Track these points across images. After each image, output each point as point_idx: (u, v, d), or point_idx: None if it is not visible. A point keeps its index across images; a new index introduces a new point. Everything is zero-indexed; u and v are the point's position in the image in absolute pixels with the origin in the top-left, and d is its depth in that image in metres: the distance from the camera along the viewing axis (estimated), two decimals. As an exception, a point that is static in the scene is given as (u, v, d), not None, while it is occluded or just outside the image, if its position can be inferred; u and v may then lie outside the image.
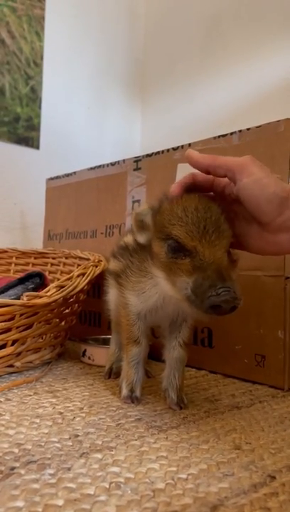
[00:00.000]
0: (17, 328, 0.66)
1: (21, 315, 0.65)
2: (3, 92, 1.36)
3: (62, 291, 0.70)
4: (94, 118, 1.63)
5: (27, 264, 1.15)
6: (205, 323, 0.77)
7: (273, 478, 0.37)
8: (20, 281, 0.75)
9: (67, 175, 1.15)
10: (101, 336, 0.91)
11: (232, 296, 0.41)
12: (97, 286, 0.95)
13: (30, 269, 1.14)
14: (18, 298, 0.70)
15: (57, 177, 1.19)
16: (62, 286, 0.71)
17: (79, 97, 1.59)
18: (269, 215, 0.45)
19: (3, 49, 1.36)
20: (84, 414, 0.51)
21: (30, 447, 0.41)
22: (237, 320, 0.72)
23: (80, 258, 0.99)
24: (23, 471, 0.36)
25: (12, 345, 0.67)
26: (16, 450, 0.41)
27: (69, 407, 0.54)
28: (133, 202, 0.95)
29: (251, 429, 0.49)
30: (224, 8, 1.51)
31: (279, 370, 0.67)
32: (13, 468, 0.37)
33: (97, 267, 0.84)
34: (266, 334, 0.69)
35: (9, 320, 0.64)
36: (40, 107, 1.45)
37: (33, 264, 1.14)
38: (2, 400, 0.57)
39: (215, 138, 0.80)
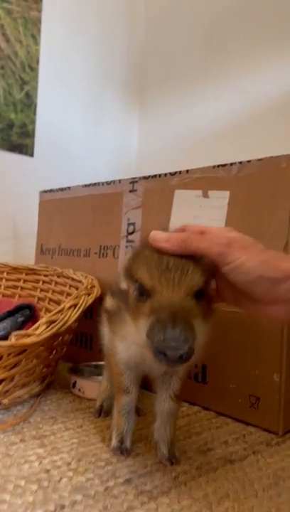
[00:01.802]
0: (4, 367, 0.64)
1: (9, 354, 0.63)
2: (-4, 97, 1.33)
3: (52, 328, 0.67)
4: (90, 124, 1.60)
5: (18, 280, 1.12)
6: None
7: None
8: (10, 313, 0.72)
9: (62, 189, 1.12)
10: (93, 362, 0.88)
11: (180, 343, 0.37)
12: (89, 308, 0.93)
13: (21, 285, 1.12)
14: (8, 333, 0.68)
15: (51, 190, 1.16)
16: (52, 322, 0.69)
17: (76, 103, 1.55)
18: (258, 294, 0.42)
19: (-3, 53, 1.32)
20: (71, 473, 0.49)
21: (12, 524, 0.39)
22: (233, 357, 0.70)
23: (73, 279, 0.96)
24: None
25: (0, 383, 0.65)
26: (-2, 529, 0.39)
27: (56, 461, 0.52)
28: (129, 224, 0.92)
29: (245, 495, 0.47)
30: (224, 14, 1.48)
31: (274, 414, 0.65)
32: None
33: (89, 295, 0.81)
34: (262, 376, 0.67)
35: (-4, 360, 0.62)
36: (35, 113, 1.42)
37: (25, 281, 1.11)
38: (-14, 449, 0.55)
39: (213, 167, 0.77)
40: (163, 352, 0.37)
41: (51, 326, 0.68)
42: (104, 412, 0.69)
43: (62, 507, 0.43)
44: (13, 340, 0.62)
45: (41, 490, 0.46)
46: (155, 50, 1.71)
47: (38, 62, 1.42)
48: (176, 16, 1.62)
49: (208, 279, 0.45)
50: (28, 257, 1.31)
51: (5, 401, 0.67)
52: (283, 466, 0.55)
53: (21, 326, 0.71)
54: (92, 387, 0.77)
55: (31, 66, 1.40)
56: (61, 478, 0.48)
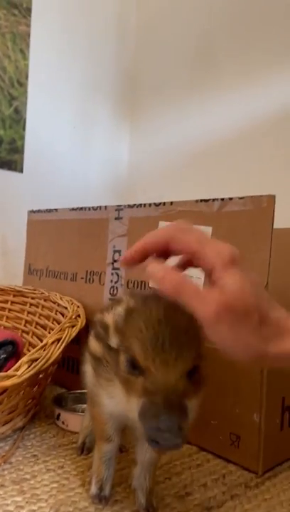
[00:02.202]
0: (-15, 409, 0.64)
1: (-10, 396, 0.63)
2: (-15, 114, 1.32)
3: (34, 367, 0.67)
4: (79, 138, 1.59)
5: (6, 301, 1.12)
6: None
7: None
8: (-8, 350, 0.73)
9: (49, 210, 1.12)
10: (78, 390, 0.89)
11: (174, 434, 0.37)
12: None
13: (9, 307, 1.12)
14: (-12, 373, 0.68)
15: (39, 211, 1.15)
16: (34, 360, 0.69)
17: (65, 116, 1.55)
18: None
19: (-15, 69, 1.32)
20: (48, 527, 0.50)
21: None
22: (214, 394, 0.71)
23: (59, 305, 0.96)
24: None
25: (-20, 425, 0.65)
26: None
27: (35, 511, 0.53)
28: (114, 251, 0.92)
29: None
30: (216, 27, 1.47)
31: (254, 453, 0.66)
32: None
33: (73, 326, 0.81)
34: (242, 415, 0.67)
35: (-23, 403, 0.62)
36: (24, 129, 1.41)
37: (12, 302, 1.12)
38: None
39: (196, 201, 0.77)
40: (156, 441, 0.37)
41: (33, 365, 0.68)
42: (86, 448, 0.70)
43: None
44: (-7, 383, 0.62)
45: None
46: (145, 64, 1.70)
47: (26, 77, 1.41)
48: (167, 29, 1.61)
49: (202, 350, 0.44)
50: (15, 274, 1.31)
51: (-13, 440, 0.68)
52: (260, 514, 0.55)
53: (3, 362, 0.71)
54: (75, 420, 0.77)
55: (20, 81, 1.40)
56: (37, 534, 0.49)
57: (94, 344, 0.61)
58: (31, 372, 0.66)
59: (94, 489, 0.56)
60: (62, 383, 0.98)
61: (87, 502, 0.55)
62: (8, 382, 0.63)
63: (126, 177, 1.72)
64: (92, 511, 0.54)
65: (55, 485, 0.59)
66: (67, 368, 0.99)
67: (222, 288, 0.38)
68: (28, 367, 0.67)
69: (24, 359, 0.68)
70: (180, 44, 1.57)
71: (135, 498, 0.56)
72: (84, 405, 0.83)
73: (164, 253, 0.45)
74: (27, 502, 0.55)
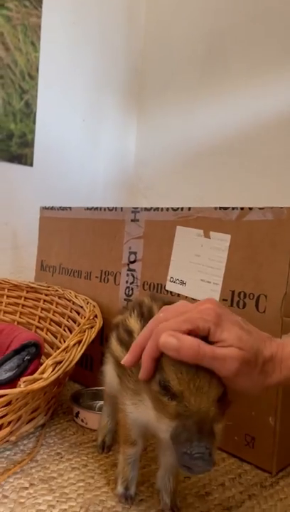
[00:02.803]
0: (13, 410, 0.67)
1: (17, 399, 0.66)
2: (-4, 108, 1.32)
3: (59, 370, 0.70)
4: (88, 131, 1.59)
5: (19, 297, 1.14)
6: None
7: None
8: (16, 351, 0.75)
9: (62, 208, 1.13)
10: (94, 387, 0.91)
11: (205, 460, 0.40)
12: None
13: (22, 302, 1.14)
14: (15, 376, 0.71)
15: (52, 208, 1.17)
16: (58, 362, 0.71)
17: (75, 110, 1.55)
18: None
19: (-3, 62, 1.31)
20: (80, 526, 0.53)
21: None
22: (231, 397, 0.73)
23: (74, 303, 0.99)
24: None
25: (8, 425, 0.68)
26: None
27: (65, 510, 0.56)
28: (130, 253, 0.94)
29: None
30: (226, 24, 1.47)
31: (268, 454, 0.69)
32: None
33: (92, 327, 0.84)
34: (258, 417, 0.71)
35: (7, 405, 0.65)
36: (34, 122, 1.41)
37: (26, 298, 1.14)
38: (-1, 496, 0.58)
39: (215, 208, 0.79)
40: (188, 466, 0.40)
41: (57, 368, 0.70)
42: (106, 447, 0.73)
43: None
44: (22, 386, 0.64)
45: None
46: (154, 61, 1.69)
47: (37, 70, 1.41)
48: (176, 25, 1.60)
49: None
50: (27, 268, 1.33)
51: (12, 438, 0.70)
52: (277, 514, 0.59)
53: (28, 364, 0.74)
54: (94, 419, 0.80)
55: (31, 74, 1.39)
56: (71, 533, 0.52)
57: (118, 349, 0.63)
58: (56, 375, 0.69)
59: (120, 489, 0.59)
60: (77, 380, 1.01)
61: (114, 501, 0.59)
62: (35, 386, 0.65)
63: (132, 172, 1.73)
64: (120, 511, 0.57)
65: (81, 484, 0.62)
66: (81, 364, 1.02)
67: (228, 343, 0.44)
68: (53, 370, 0.70)
69: (49, 362, 0.71)
70: (188, 41, 1.57)
71: (159, 498, 0.59)
72: (101, 402, 0.86)
73: None
74: (57, 501, 0.58)
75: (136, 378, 0.53)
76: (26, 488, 0.60)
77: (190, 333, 0.44)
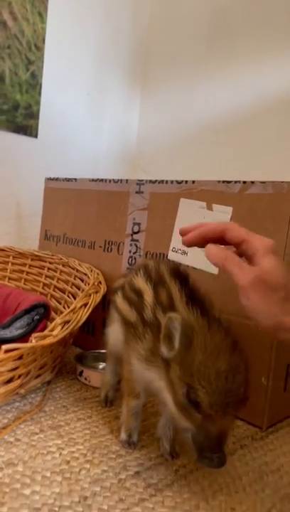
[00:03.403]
0: (24, 364, 0.71)
1: (28, 353, 0.70)
2: (3, 78, 1.33)
3: (67, 328, 0.75)
4: (93, 105, 1.61)
5: (24, 264, 1.18)
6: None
7: None
8: (26, 311, 0.79)
9: (68, 179, 1.16)
10: (96, 350, 0.96)
11: (222, 464, 0.48)
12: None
13: (27, 270, 1.18)
14: (26, 333, 0.75)
15: (57, 179, 1.20)
16: (66, 322, 0.76)
17: (80, 82, 1.56)
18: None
19: (4, 32, 1.32)
20: (88, 465, 0.58)
21: (46, 514, 0.48)
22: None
23: (78, 270, 1.03)
24: None
25: (18, 378, 0.72)
26: (35, 518, 0.47)
27: (74, 452, 0.61)
28: (134, 224, 0.98)
29: (235, 489, 0.56)
30: (230, 2, 1.47)
31: (259, 411, 0.75)
32: None
33: (97, 292, 0.88)
34: (251, 377, 0.76)
35: (18, 359, 0.69)
36: (39, 94, 1.43)
37: (30, 266, 1.17)
38: (12, 439, 0.63)
39: (218, 182, 0.82)
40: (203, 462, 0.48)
41: (66, 327, 0.75)
42: (109, 401, 0.78)
43: (85, 498, 0.51)
44: (33, 341, 0.68)
45: (65, 481, 0.54)
46: (159, 36, 1.70)
47: (44, 41, 1.41)
48: (181, 1, 1.60)
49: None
50: (30, 238, 1.36)
51: (22, 391, 0.75)
52: (266, 461, 0.64)
53: (37, 323, 0.78)
54: (97, 377, 0.85)
55: (37, 45, 1.40)
56: (80, 470, 0.57)
57: (125, 307, 0.66)
58: (65, 333, 0.74)
59: (123, 436, 0.64)
60: (79, 344, 1.06)
61: (118, 446, 0.64)
62: (46, 342, 0.70)
63: (134, 147, 1.75)
64: (123, 454, 0.62)
65: (87, 431, 0.67)
66: (83, 329, 1.06)
67: (260, 266, 0.48)
68: (62, 328, 0.74)
69: (58, 321, 0.75)
70: (194, 17, 1.57)
71: (159, 445, 0.64)
72: (103, 364, 0.91)
73: (218, 241, 0.53)
74: (66, 445, 0.63)
75: (150, 346, 0.57)
76: (37, 433, 0.65)
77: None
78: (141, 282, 0.64)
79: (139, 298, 0.63)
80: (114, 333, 0.72)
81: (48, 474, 0.55)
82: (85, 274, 0.99)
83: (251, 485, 0.58)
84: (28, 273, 1.17)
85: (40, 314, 0.79)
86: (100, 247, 1.05)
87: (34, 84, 1.41)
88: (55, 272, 1.11)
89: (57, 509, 0.49)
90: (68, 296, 1.04)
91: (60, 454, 0.60)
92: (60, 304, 1.06)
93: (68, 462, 0.58)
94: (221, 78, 1.50)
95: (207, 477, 0.59)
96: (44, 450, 0.61)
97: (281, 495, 0.56)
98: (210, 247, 0.52)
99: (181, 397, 0.50)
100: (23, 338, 0.75)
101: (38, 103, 1.42)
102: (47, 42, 1.42)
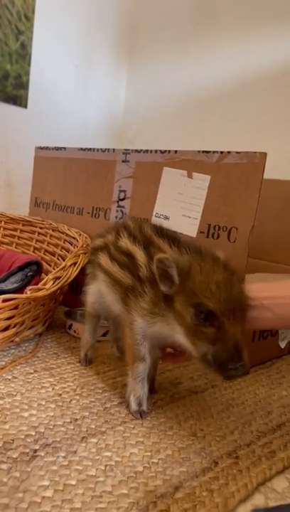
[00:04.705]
0: (19, 314, 0.79)
1: (23, 304, 0.78)
2: (-7, 48, 1.36)
3: (58, 283, 0.82)
4: (81, 77, 1.65)
5: (15, 229, 1.24)
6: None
7: (216, 463, 0.53)
8: (20, 268, 0.86)
9: (57, 148, 1.22)
10: (83, 308, 1.04)
11: (247, 371, 0.52)
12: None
13: (18, 234, 1.24)
14: (20, 286, 0.82)
15: (47, 148, 1.25)
16: (58, 278, 0.83)
17: (68, 54, 1.59)
18: None
19: (-6, 2, 1.34)
20: (78, 397, 0.67)
21: (43, 430, 0.56)
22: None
23: (67, 235, 1.10)
24: (42, 453, 0.51)
25: (14, 327, 0.80)
26: (33, 433, 0.56)
27: (65, 388, 0.69)
28: (120, 191, 1.05)
29: (204, 416, 0.66)
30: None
31: (230, 358, 0.84)
32: (35, 451, 0.52)
33: (85, 253, 0.96)
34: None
35: (14, 308, 0.77)
36: (29, 64, 1.46)
37: (21, 231, 1.24)
38: (10, 377, 0.71)
39: (198, 152, 0.89)
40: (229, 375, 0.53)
41: (57, 282, 0.83)
42: (88, 360, 0.81)
43: (75, 419, 0.60)
44: (28, 293, 0.76)
45: (58, 408, 0.63)
46: (146, 8, 1.73)
47: (33, 11, 1.44)
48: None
49: None
50: (20, 205, 1.42)
51: (17, 339, 0.83)
52: (234, 397, 0.74)
53: (31, 279, 0.85)
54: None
55: (27, 15, 1.42)
56: (71, 400, 0.65)
57: (115, 269, 0.68)
58: (56, 287, 0.81)
59: (133, 405, 0.64)
60: (67, 303, 1.14)
61: (104, 383, 0.72)
62: (39, 294, 0.78)
63: (121, 119, 1.80)
64: (108, 389, 0.71)
65: (76, 372, 0.76)
66: (71, 290, 1.14)
67: None
68: (53, 283, 0.82)
69: (50, 276, 0.83)
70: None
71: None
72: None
73: None
74: (58, 382, 0.71)
75: (151, 299, 0.61)
76: (31, 373, 0.73)
77: None
78: (128, 244, 0.67)
79: (131, 260, 0.65)
80: (95, 292, 0.76)
81: (43, 403, 0.64)
82: (74, 238, 1.06)
83: (219, 413, 0.67)
84: (19, 237, 1.23)
85: (34, 271, 0.87)
86: (88, 213, 1.12)
87: (24, 55, 1.44)
88: (45, 236, 1.17)
89: (52, 427, 0.57)
90: (58, 259, 1.11)
91: (53, 389, 0.69)
92: (50, 266, 1.12)
93: (60, 395, 0.67)
94: (206, 53, 1.55)
95: (180, 407, 0.68)
96: (39, 385, 0.69)
97: (243, 420, 0.66)
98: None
99: (192, 320, 0.54)
100: (18, 291, 0.82)
101: (27, 73, 1.46)
102: (37, 13, 1.45)
